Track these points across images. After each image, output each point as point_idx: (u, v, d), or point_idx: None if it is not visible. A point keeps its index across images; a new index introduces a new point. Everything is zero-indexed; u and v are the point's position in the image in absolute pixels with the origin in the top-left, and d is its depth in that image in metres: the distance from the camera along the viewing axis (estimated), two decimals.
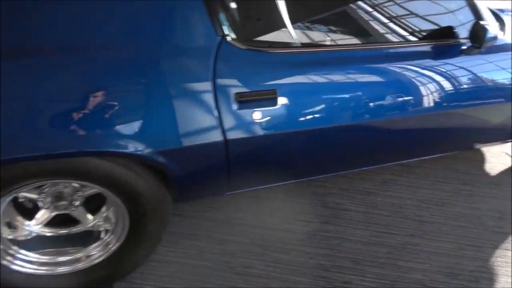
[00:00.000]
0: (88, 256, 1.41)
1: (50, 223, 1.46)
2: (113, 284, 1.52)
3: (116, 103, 1.11)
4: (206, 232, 1.80)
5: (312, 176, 1.70)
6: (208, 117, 1.20)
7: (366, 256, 1.79)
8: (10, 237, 1.35)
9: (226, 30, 1.19)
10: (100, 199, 1.57)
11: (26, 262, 1.33)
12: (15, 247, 1.33)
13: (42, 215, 1.40)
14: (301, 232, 1.86)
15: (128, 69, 1.14)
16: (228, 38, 1.19)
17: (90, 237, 1.45)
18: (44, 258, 1.37)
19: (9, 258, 1.29)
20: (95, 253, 1.41)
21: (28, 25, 1.07)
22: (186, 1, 1.14)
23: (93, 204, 1.54)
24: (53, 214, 1.41)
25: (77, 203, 1.40)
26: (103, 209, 1.49)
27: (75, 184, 1.37)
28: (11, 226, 1.38)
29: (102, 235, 1.44)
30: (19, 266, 1.31)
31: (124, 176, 1.20)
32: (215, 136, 1.22)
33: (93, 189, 1.40)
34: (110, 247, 1.40)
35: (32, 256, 1.36)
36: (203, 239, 1.76)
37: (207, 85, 1.18)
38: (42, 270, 1.35)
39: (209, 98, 1.19)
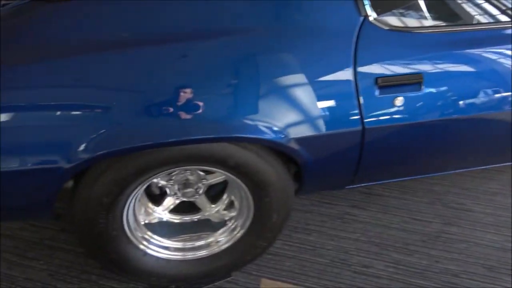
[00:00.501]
0: (216, 242, 1.42)
1: (174, 210, 1.51)
2: (231, 273, 1.53)
3: (250, 88, 1.09)
4: (318, 227, 1.73)
5: (444, 171, 1.55)
6: (346, 103, 1.13)
7: (501, 262, 1.59)
8: (145, 221, 1.41)
9: (368, 9, 1.11)
10: (219, 189, 1.61)
11: (158, 247, 1.38)
12: (149, 233, 1.38)
13: (168, 201, 1.45)
14: (422, 233, 1.71)
15: (263, 54, 1.11)
16: (371, 18, 1.11)
17: (218, 223, 1.48)
18: (176, 244, 1.42)
19: (143, 241, 1.35)
20: (222, 239, 1.42)
21: (151, 13, 1.10)
22: None
23: (212, 193, 1.58)
24: (178, 201, 1.44)
25: (200, 191, 1.42)
26: (224, 196, 1.50)
27: (201, 172, 1.39)
28: (144, 211, 1.45)
29: (228, 221, 1.45)
30: (151, 249, 1.36)
31: (257, 164, 1.18)
32: (353, 124, 1.15)
33: (218, 177, 1.41)
34: (235, 233, 1.40)
35: (164, 241, 1.41)
36: (315, 234, 1.70)
37: (346, 69, 1.10)
38: (172, 255, 1.39)
39: (348, 82, 1.11)
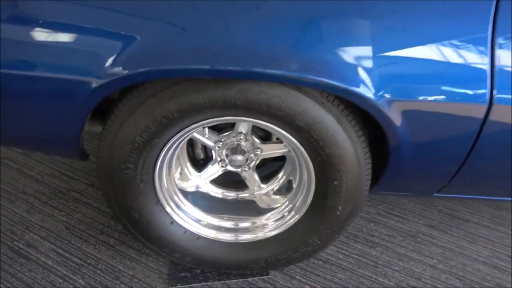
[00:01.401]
0: (262, 226, 1.16)
1: (216, 182, 1.27)
2: (268, 271, 1.25)
3: (353, 29, 0.82)
4: (384, 242, 1.40)
5: None
6: (475, 72, 0.83)
7: None
8: (180, 185, 1.18)
9: None
10: (273, 170, 1.34)
11: (189, 218, 1.14)
12: (181, 196, 1.15)
13: (212, 169, 1.21)
14: None
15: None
16: None
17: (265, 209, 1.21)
18: (211, 220, 1.17)
19: (172, 205, 1.11)
20: (270, 223, 1.15)
21: None
22: None
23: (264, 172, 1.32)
24: (222, 170, 1.20)
25: (252, 163, 1.17)
26: (280, 174, 1.23)
27: (257, 140, 1.14)
28: (181, 174, 1.22)
29: (281, 204, 1.18)
30: (180, 218, 1.12)
31: (334, 132, 0.90)
32: (479, 98, 0.84)
33: (275, 149, 1.15)
34: (287, 219, 1.12)
35: (198, 212, 1.17)
36: (380, 249, 1.37)
37: (482, 32, 0.81)
38: (204, 232, 1.15)
39: (482, 46, 0.81)
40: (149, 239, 1.11)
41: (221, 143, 1.14)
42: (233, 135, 1.12)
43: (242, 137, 1.12)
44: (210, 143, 1.15)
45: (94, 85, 0.83)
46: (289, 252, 1.14)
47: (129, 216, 1.06)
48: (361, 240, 1.40)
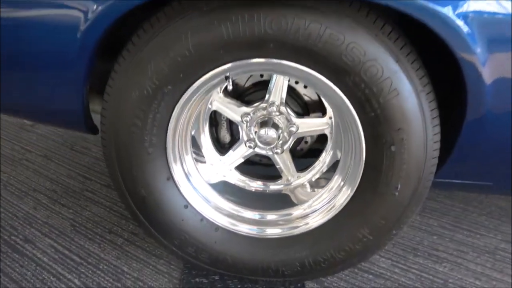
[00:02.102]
0: (298, 217, 0.92)
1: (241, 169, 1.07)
2: (304, 283, 0.99)
3: None
4: (454, 258, 1.10)
5: None
6: None
7: None
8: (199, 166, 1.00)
9: None
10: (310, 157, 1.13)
11: (207, 203, 0.94)
12: (202, 179, 0.95)
13: (238, 151, 1.01)
14: None
15: None
16: None
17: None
18: (232, 207, 0.96)
19: (189, 184, 0.90)
20: (307, 212, 0.92)
21: None
22: None
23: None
24: (250, 152, 1.00)
25: (286, 144, 0.97)
26: (323, 154, 1.01)
27: (292, 113, 0.95)
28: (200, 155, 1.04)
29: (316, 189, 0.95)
30: (197, 202, 0.92)
31: (390, 71, 0.69)
32: None
33: (313, 126, 0.95)
34: (330, 206, 0.88)
35: (217, 197, 0.96)
36: (449, 265, 1.07)
37: None
38: (224, 222, 0.93)
39: None
40: (157, 224, 0.90)
41: (249, 117, 0.95)
42: (264, 106, 0.95)
43: (274, 109, 0.94)
44: (236, 117, 0.97)
45: (91, 15, 0.71)
46: (332, 251, 0.89)
47: (135, 191, 0.87)
48: (422, 254, 1.11)
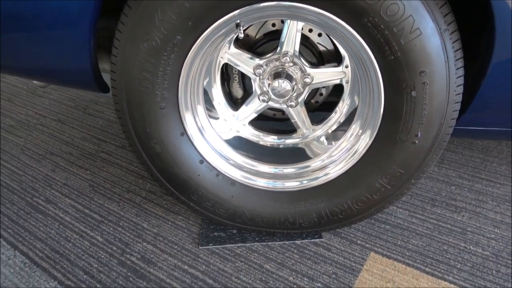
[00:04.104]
0: (315, 168, 0.92)
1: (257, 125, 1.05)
2: (321, 233, 1.00)
3: None
4: (472, 207, 1.09)
5: None
6: None
7: None
8: (212, 122, 0.98)
9: None
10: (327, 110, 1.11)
11: (223, 158, 0.93)
12: (216, 134, 0.94)
13: (252, 105, 0.99)
14: None
15: None
16: None
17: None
18: (247, 161, 0.95)
19: (203, 140, 0.90)
20: (324, 163, 0.91)
21: None
22: None
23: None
24: (263, 106, 0.98)
25: (300, 97, 0.94)
26: (340, 103, 0.98)
27: (306, 64, 0.91)
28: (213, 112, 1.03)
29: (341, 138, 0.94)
30: (212, 157, 0.91)
31: (411, 7, 0.65)
32: None
33: (329, 77, 0.92)
34: (347, 155, 0.87)
35: (231, 152, 0.95)
36: (467, 215, 1.06)
37: None
38: (241, 177, 0.92)
39: None
40: (173, 180, 0.90)
41: (262, 69, 0.92)
42: (276, 57, 0.91)
43: (287, 60, 0.91)
44: (248, 70, 0.94)
45: None
46: (349, 202, 0.88)
47: (149, 147, 0.87)
48: (440, 204, 1.10)
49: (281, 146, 1.05)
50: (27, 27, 0.83)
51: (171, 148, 0.87)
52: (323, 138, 1.02)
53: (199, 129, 0.90)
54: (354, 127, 0.90)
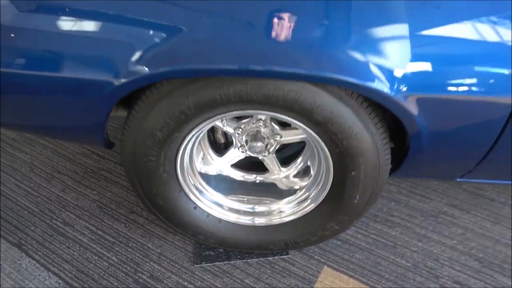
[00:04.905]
0: (279, 212, 1.20)
1: (237, 165, 1.30)
2: (288, 251, 1.30)
3: (362, 18, 0.79)
4: (404, 222, 1.41)
5: None
6: (497, 64, 0.79)
7: None
8: (201, 170, 1.22)
9: None
10: (293, 151, 1.36)
11: (212, 203, 1.19)
12: (204, 183, 1.19)
13: (232, 153, 1.23)
14: None
15: None
16: None
17: (285, 191, 1.24)
18: (232, 204, 1.22)
19: (195, 191, 1.16)
20: (287, 209, 1.19)
21: None
22: None
23: (284, 154, 1.34)
24: (243, 155, 1.23)
25: (271, 148, 1.19)
26: (298, 160, 1.25)
27: (276, 126, 1.15)
28: (202, 159, 1.26)
29: (298, 190, 1.21)
30: (203, 203, 1.18)
31: (352, 125, 0.90)
32: (503, 92, 0.80)
33: (295, 135, 1.16)
34: (304, 206, 1.15)
35: (219, 197, 1.21)
36: (399, 229, 1.39)
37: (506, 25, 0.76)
38: (225, 215, 1.20)
39: (507, 34, 0.77)
40: (174, 223, 1.18)
41: (240, 130, 1.16)
42: (253, 121, 1.14)
43: (261, 124, 1.14)
44: (230, 130, 1.17)
45: (116, 83, 0.86)
46: (308, 236, 1.18)
47: (155, 203, 1.12)
48: (380, 220, 1.41)
49: (258, 181, 1.31)
50: (43, 95, 1.00)
51: (172, 202, 1.12)
52: (290, 176, 1.29)
53: (193, 184, 1.15)
54: (305, 190, 1.18)
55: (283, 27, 0.78)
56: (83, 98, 0.92)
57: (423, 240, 1.36)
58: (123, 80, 0.84)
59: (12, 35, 0.88)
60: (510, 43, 0.79)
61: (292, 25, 0.78)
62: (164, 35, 0.80)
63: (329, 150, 0.99)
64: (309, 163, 1.23)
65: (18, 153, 1.68)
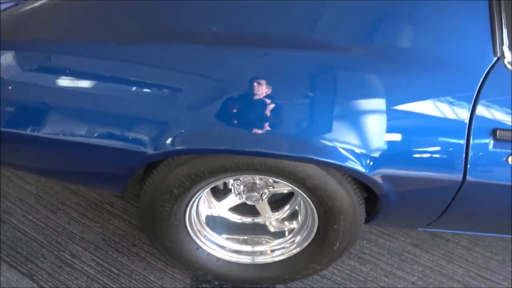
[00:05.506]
0: (271, 251, 1.39)
1: (233, 208, 1.48)
2: (275, 286, 1.49)
3: (346, 113, 1.01)
4: (374, 259, 1.63)
5: None
6: (453, 147, 1.01)
7: None
8: (205, 214, 1.40)
9: (506, 50, 0.97)
10: (282, 196, 1.55)
11: (213, 244, 1.37)
12: (206, 227, 1.37)
13: (230, 199, 1.42)
14: None
15: (366, 76, 1.01)
16: (505, 61, 0.97)
17: (275, 232, 1.44)
18: (231, 245, 1.40)
19: (199, 235, 1.34)
20: (277, 251, 1.38)
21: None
22: (469, 8, 0.96)
23: (274, 199, 1.54)
24: (239, 201, 1.41)
25: (264, 196, 1.38)
26: (286, 207, 1.45)
27: (270, 179, 1.34)
28: (204, 204, 1.44)
29: (287, 234, 1.41)
30: (205, 244, 1.35)
31: (336, 191, 1.10)
32: (454, 173, 1.03)
33: (285, 188, 1.36)
34: (291, 249, 1.36)
35: (220, 239, 1.39)
36: (369, 266, 1.60)
37: (463, 110, 0.98)
38: (223, 255, 1.38)
39: (460, 124, 0.99)
40: (178, 261, 1.35)
41: (239, 181, 1.34)
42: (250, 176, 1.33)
43: (257, 177, 1.33)
44: (230, 181, 1.35)
45: (150, 153, 1.04)
46: (293, 274, 1.38)
47: (163, 244, 1.29)
48: (354, 257, 1.63)
49: (253, 222, 1.50)
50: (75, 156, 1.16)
51: (178, 244, 1.29)
52: (279, 220, 1.48)
53: (198, 229, 1.33)
54: (292, 236, 1.38)
55: (282, 122, 0.99)
56: (119, 162, 1.09)
57: (389, 276, 1.58)
58: (155, 152, 1.02)
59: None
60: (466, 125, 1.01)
61: (286, 117, 0.99)
62: (191, 122, 1.00)
63: (316, 208, 1.20)
64: (297, 208, 1.43)
65: (24, 184, 1.80)
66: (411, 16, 1.02)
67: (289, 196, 1.50)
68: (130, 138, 1.02)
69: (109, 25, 1.10)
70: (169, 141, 1.01)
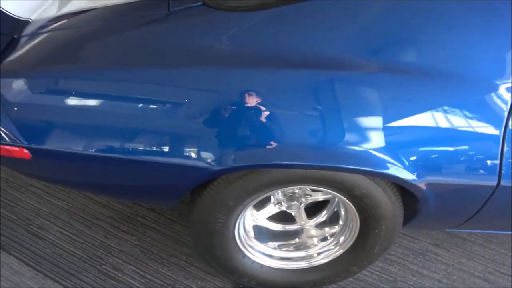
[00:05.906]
0: (316, 255, 1.47)
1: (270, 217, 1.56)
2: None
3: (391, 127, 1.09)
4: (400, 260, 1.73)
5: None
6: (488, 156, 1.12)
7: None
8: (251, 224, 1.47)
9: None
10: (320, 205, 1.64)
11: (259, 253, 1.44)
12: (252, 238, 1.44)
13: (270, 207, 1.49)
14: (506, 287, 1.67)
15: (406, 93, 1.11)
16: None
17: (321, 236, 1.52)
18: (277, 253, 1.47)
19: (246, 244, 1.40)
20: (321, 254, 1.46)
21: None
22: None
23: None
24: (277, 210, 1.48)
25: (302, 205, 1.46)
26: (323, 213, 1.54)
27: (308, 188, 1.42)
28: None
29: (328, 237, 1.49)
30: (250, 253, 1.42)
31: (380, 199, 1.19)
32: (490, 179, 1.13)
33: (323, 195, 1.44)
34: (335, 251, 1.44)
35: (262, 247, 1.46)
36: (397, 266, 1.70)
37: (498, 124, 1.09)
38: (267, 262, 1.45)
39: (495, 137, 1.10)
40: (226, 269, 1.41)
41: (279, 191, 1.42)
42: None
43: (297, 187, 1.41)
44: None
45: (213, 169, 1.10)
46: (334, 276, 1.46)
47: (213, 254, 1.36)
48: (381, 259, 1.72)
49: (292, 230, 1.57)
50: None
51: (228, 253, 1.36)
52: (314, 226, 1.56)
53: (245, 239, 1.40)
54: (337, 238, 1.46)
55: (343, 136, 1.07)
56: (182, 178, 1.15)
57: (416, 275, 1.67)
58: (218, 168, 1.08)
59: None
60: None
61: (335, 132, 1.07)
62: (254, 139, 1.07)
63: (359, 215, 1.28)
64: (337, 209, 1.50)
65: (55, 200, 1.82)
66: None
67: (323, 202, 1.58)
68: (195, 155, 1.09)
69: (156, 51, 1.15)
70: (232, 157, 1.08)
